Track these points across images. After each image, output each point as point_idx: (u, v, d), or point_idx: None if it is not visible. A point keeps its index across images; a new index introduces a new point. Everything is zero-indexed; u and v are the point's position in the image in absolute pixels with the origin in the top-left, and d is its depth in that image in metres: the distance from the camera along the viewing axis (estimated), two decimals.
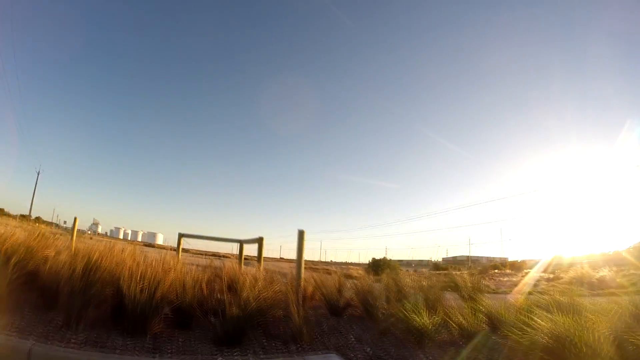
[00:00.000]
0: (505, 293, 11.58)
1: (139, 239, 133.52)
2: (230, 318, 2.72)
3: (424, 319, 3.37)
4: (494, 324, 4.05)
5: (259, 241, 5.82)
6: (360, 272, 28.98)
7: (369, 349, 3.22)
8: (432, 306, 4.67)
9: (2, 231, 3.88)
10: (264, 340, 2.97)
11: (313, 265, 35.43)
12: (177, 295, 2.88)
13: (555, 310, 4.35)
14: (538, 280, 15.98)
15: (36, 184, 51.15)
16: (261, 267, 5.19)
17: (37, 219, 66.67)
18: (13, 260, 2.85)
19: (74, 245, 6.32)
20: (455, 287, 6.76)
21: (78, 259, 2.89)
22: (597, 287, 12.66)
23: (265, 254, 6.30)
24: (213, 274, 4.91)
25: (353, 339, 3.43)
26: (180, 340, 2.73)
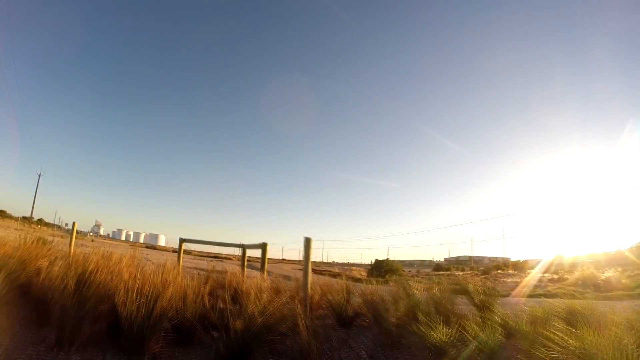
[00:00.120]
0: (513, 296, 11.37)
1: (141, 240, 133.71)
2: (235, 336, 2.54)
3: (440, 334, 3.16)
4: (512, 336, 3.84)
5: (263, 247, 5.63)
6: (363, 273, 28.79)
7: None
8: (444, 315, 4.47)
9: None
10: (270, 358, 2.79)
11: (316, 267, 35.22)
12: (177, 310, 2.69)
13: (575, 321, 4.14)
14: (543, 282, 15.77)
15: (37, 186, 51.28)
16: (265, 274, 5.01)
17: (40, 221, 66.76)
18: (3, 274, 2.67)
19: (72, 250, 6.16)
20: (462, 290, 6.54)
21: (72, 271, 2.71)
22: (603, 288, 12.43)
23: (267, 255, 6.11)
24: (215, 282, 4.73)
25: (365, 355, 3.24)
26: None
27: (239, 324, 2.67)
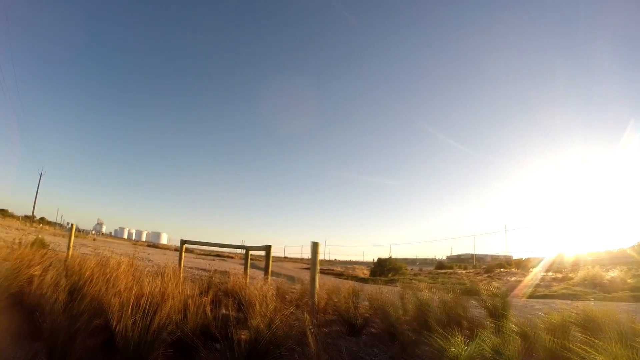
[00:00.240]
0: (519, 297, 11.14)
1: (144, 238, 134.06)
2: (239, 353, 2.36)
3: (459, 348, 2.97)
4: (532, 347, 3.63)
5: (267, 250, 5.44)
6: (365, 272, 28.64)
7: None
8: (456, 321, 4.28)
9: None
10: None
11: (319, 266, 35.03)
12: (177, 323, 2.51)
13: (595, 329, 3.94)
14: (547, 281, 15.55)
15: (39, 185, 51.32)
16: (269, 279, 4.83)
17: (42, 220, 66.88)
18: None
19: (70, 254, 6.00)
20: (470, 291, 6.33)
21: (63, 281, 2.53)
22: (609, 288, 12.21)
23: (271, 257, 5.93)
24: (217, 288, 4.55)
25: None
26: None
27: (243, 338, 2.49)
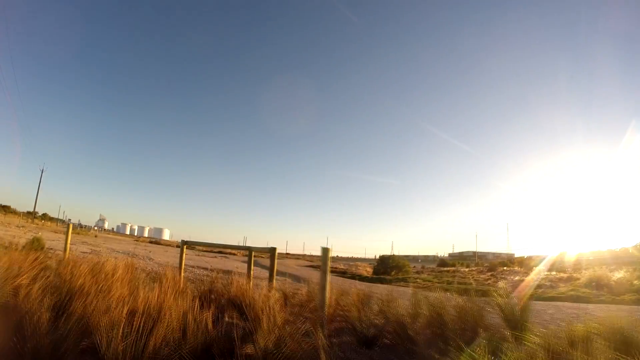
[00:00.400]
0: (527, 298, 10.85)
1: (146, 234, 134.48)
2: None
3: None
4: None
5: (271, 252, 5.18)
6: (368, 269, 28.32)
7: None
8: (473, 330, 4.04)
9: None
10: None
11: (320, 263, 34.82)
12: (175, 345, 2.26)
13: (623, 343, 3.68)
14: (553, 281, 15.26)
15: (40, 181, 51.20)
16: (274, 284, 4.58)
17: (44, 216, 67.02)
18: None
19: (66, 255, 5.78)
20: (476, 292, 6.05)
21: (48, 299, 2.28)
22: (616, 290, 11.91)
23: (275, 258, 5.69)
24: (220, 295, 4.31)
25: None
26: None
27: (250, 353, 2.24)
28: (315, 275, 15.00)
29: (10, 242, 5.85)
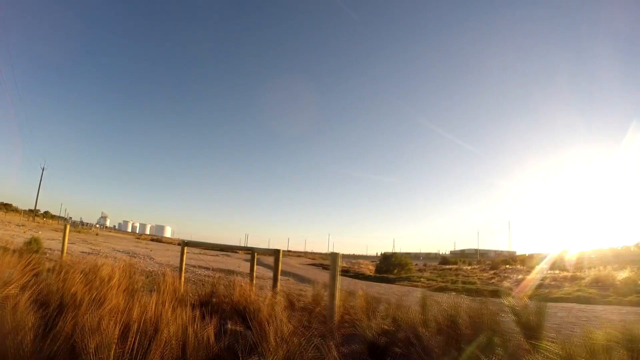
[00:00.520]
0: (532, 298, 10.68)
1: (147, 231, 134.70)
2: None
3: None
4: None
5: (275, 254, 4.97)
6: (371, 267, 28.01)
7: None
8: (487, 337, 3.85)
9: None
10: None
11: (323, 261, 34.73)
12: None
13: None
14: (558, 280, 15.06)
15: (41, 179, 51.16)
16: (278, 289, 4.39)
17: (45, 214, 67.09)
18: None
19: (64, 256, 5.61)
20: (480, 292, 5.86)
21: (32, 316, 2.08)
22: (623, 291, 11.70)
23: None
24: (222, 300, 4.14)
25: None
26: None
27: None
28: (319, 275, 14.83)
29: (6, 243, 5.68)
